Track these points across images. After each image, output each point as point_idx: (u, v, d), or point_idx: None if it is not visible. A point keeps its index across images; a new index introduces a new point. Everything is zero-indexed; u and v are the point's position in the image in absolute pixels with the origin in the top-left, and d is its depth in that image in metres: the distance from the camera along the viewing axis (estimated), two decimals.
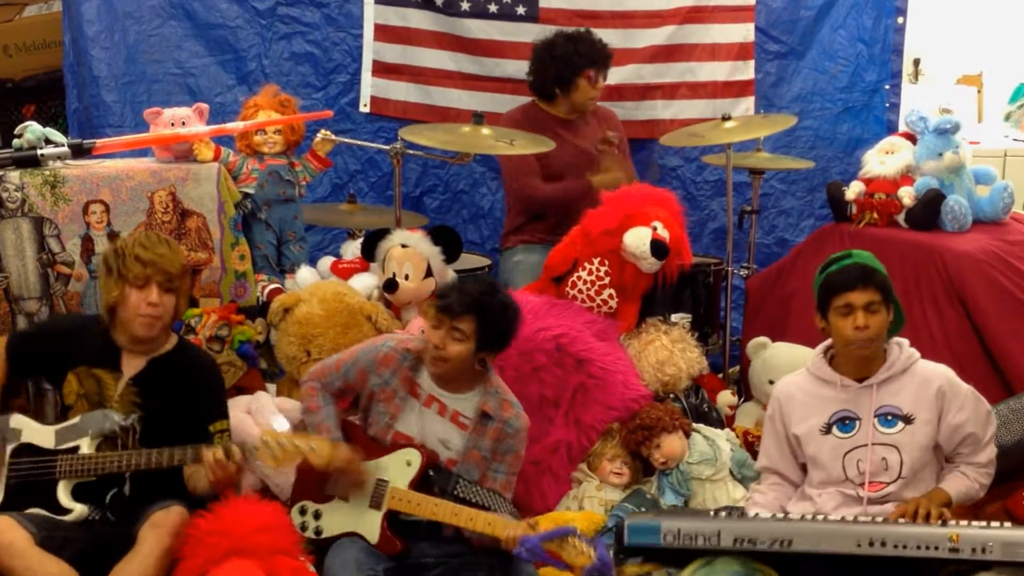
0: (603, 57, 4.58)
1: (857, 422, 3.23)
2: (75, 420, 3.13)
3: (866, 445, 3.20)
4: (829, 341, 3.35)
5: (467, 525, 3.02)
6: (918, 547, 2.85)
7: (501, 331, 3.18)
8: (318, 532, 3.16)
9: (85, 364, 3.20)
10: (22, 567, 2.87)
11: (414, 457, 3.13)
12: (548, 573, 3.23)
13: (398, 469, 3.13)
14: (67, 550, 2.97)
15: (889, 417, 3.22)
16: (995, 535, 2.85)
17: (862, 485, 3.20)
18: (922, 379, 3.25)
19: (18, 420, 3.19)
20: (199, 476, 3.11)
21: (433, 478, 3.14)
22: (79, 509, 3.06)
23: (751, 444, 3.81)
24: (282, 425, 3.57)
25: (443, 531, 3.12)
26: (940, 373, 3.27)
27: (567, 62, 4.54)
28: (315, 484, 3.19)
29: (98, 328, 3.26)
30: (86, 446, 3.09)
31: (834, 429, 3.25)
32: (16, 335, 3.52)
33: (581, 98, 4.60)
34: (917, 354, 3.29)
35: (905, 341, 3.31)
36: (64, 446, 3.10)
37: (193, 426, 3.18)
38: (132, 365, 3.22)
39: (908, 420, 3.21)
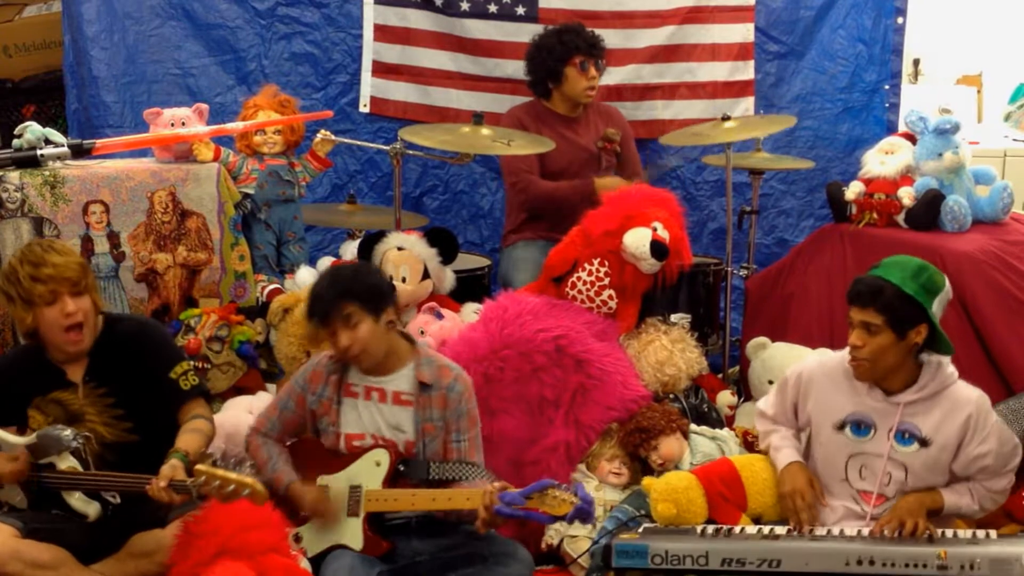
0: (589, 44, 4.54)
1: (872, 430, 3.17)
2: (32, 439, 3.06)
3: (878, 455, 3.15)
4: None
5: (447, 506, 3.04)
6: (906, 565, 2.84)
7: (372, 289, 3.17)
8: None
9: (39, 395, 3.16)
10: (12, 558, 2.87)
11: (382, 457, 3.14)
12: None
13: (369, 472, 3.14)
14: (60, 540, 2.97)
15: (906, 436, 3.15)
16: (983, 551, 2.83)
17: (860, 492, 3.19)
18: (953, 404, 3.14)
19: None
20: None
21: (406, 471, 3.15)
22: (94, 507, 3.07)
23: (751, 444, 3.80)
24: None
25: (434, 525, 3.13)
26: (973, 400, 3.16)
27: (552, 52, 4.53)
28: (288, 508, 3.13)
29: (31, 355, 3.20)
30: (60, 462, 3.06)
31: (847, 429, 3.20)
32: None
33: (573, 89, 4.58)
34: (955, 376, 3.19)
35: (945, 360, 3.19)
36: (43, 461, 3.07)
37: (157, 384, 3.18)
38: (77, 370, 3.19)
39: (924, 443, 3.13)
